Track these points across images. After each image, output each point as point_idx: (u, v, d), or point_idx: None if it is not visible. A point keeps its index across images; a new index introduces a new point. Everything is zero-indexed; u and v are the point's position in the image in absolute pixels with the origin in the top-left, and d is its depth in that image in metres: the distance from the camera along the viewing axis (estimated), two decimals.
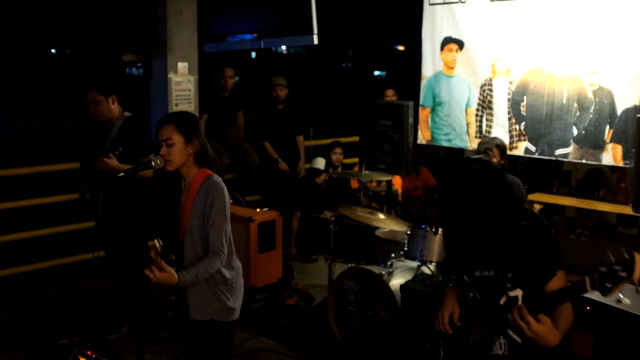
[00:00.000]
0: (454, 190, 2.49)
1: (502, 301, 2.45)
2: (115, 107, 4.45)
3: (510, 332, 2.45)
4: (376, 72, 21.65)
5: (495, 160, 4.93)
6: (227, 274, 3.01)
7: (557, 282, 2.37)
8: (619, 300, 3.81)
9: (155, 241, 2.74)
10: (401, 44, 18.55)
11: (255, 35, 5.26)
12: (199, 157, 2.96)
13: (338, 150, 6.84)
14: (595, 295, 3.45)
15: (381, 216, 4.73)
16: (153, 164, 2.94)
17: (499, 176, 2.48)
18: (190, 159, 2.95)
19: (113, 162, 4.23)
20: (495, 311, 2.46)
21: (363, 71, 20.71)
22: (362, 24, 14.16)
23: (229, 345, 3.13)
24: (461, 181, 2.47)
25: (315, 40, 4.86)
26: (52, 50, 18.46)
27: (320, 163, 6.69)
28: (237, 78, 6.82)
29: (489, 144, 5.01)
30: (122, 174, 3.00)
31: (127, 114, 4.51)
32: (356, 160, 6.89)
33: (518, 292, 2.42)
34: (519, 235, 2.40)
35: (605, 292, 2.15)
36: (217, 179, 2.96)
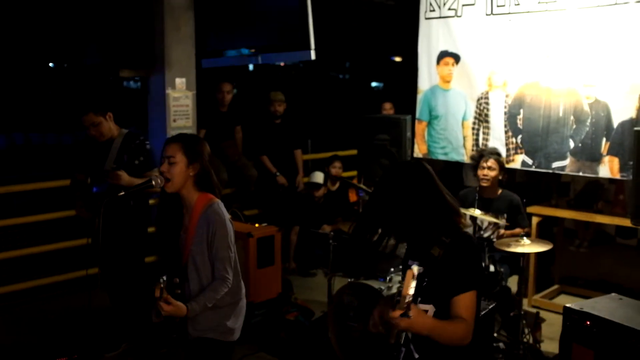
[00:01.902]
0: (380, 183, 2.48)
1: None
2: (112, 125, 4.45)
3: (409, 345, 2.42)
4: (374, 84, 21.70)
5: (489, 164, 4.95)
6: (231, 296, 3.02)
7: (463, 300, 2.28)
8: None
9: (160, 279, 2.75)
10: (398, 55, 18.61)
11: (253, 50, 5.29)
12: (200, 181, 2.96)
13: (337, 163, 6.85)
14: (595, 310, 3.48)
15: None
16: (153, 183, 2.96)
17: (421, 173, 2.43)
18: (190, 181, 2.95)
19: (125, 175, 4.25)
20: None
21: (360, 83, 20.76)
22: (358, 36, 14.22)
23: None
24: (386, 174, 2.51)
25: (313, 56, 4.89)
26: (50, 64, 18.49)
27: (319, 177, 6.70)
28: (235, 91, 6.84)
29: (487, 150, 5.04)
30: (123, 193, 3.01)
31: (125, 130, 4.53)
32: (355, 173, 6.91)
33: (429, 307, 2.36)
34: (438, 250, 2.34)
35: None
36: (218, 207, 2.95)
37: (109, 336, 4.71)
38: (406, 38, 6.44)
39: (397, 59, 19.13)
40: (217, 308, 2.98)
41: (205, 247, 2.93)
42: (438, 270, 2.34)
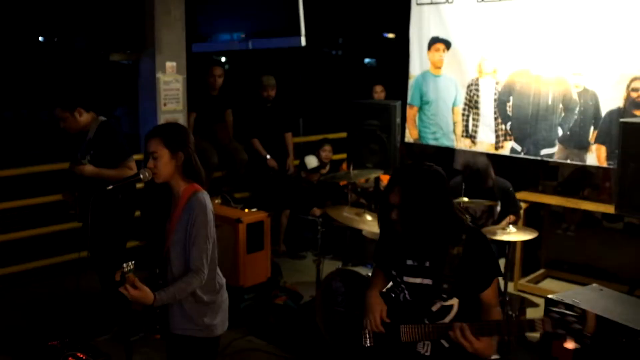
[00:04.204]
0: (393, 186, 2.55)
1: (434, 308, 2.52)
2: (84, 118, 4.39)
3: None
4: (366, 60, 21.57)
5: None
6: (205, 297, 2.97)
7: (490, 292, 2.50)
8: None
9: (124, 264, 2.68)
10: (391, 31, 18.49)
11: (243, 35, 5.28)
12: (186, 170, 2.96)
13: (327, 147, 6.86)
14: (576, 302, 3.54)
15: (368, 217, 4.77)
16: (142, 176, 2.97)
17: (442, 181, 2.53)
18: (177, 171, 2.95)
19: (87, 167, 4.27)
20: (428, 317, 2.53)
21: (353, 59, 20.63)
22: (351, 12, 14.16)
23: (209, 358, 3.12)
24: (402, 177, 2.55)
25: (303, 42, 4.90)
26: (40, 39, 18.27)
27: (314, 161, 6.71)
28: (227, 66, 6.82)
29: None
30: (111, 187, 3.03)
31: (102, 118, 4.50)
32: (344, 156, 6.93)
33: (454, 302, 2.51)
34: (458, 248, 2.48)
35: (557, 337, 2.20)
36: (202, 196, 2.94)
37: (100, 319, 4.76)
38: (398, 17, 6.42)
39: (390, 35, 19.01)
40: (193, 305, 2.94)
41: (184, 235, 2.89)
42: (461, 267, 2.47)
